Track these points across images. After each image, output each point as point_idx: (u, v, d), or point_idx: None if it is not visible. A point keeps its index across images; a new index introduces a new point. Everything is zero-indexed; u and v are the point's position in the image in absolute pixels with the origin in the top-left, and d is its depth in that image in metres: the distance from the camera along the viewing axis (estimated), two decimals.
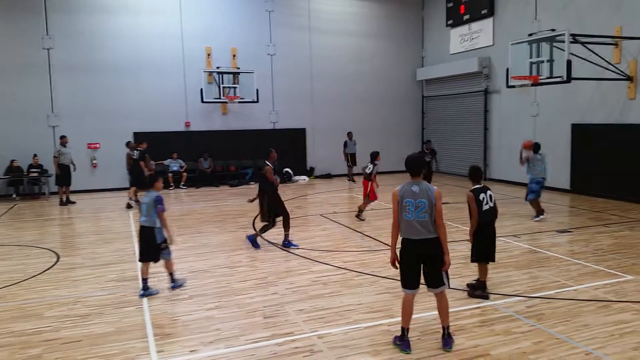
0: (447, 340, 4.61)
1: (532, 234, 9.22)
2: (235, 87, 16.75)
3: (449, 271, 4.67)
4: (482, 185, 5.90)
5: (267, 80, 17.94)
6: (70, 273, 7.34)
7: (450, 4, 18.43)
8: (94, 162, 16.23)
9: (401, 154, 12.91)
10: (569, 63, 10.82)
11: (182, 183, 16.71)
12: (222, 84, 16.72)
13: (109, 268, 7.50)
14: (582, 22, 13.06)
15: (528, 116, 15.24)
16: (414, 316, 4.70)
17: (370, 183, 10.51)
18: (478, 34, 17.31)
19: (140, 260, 6.36)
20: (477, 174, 5.96)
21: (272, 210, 8.33)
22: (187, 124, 17.31)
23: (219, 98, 16.72)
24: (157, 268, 7.35)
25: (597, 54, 11.83)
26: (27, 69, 15.37)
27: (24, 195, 15.32)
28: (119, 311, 5.74)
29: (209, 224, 10.71)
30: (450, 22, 18.53)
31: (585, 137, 13.40)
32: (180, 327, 5.26)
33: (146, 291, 6.19)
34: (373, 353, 4.55)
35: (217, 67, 16.93)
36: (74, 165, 14.16)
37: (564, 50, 10.94)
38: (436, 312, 4.72)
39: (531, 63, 11.88)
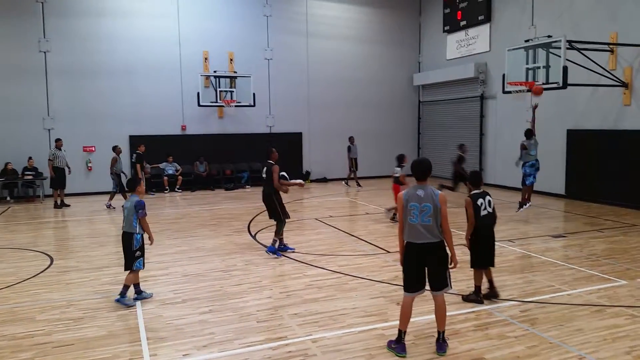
0: (441, 345, 4.60)
1: (527, 238, 9.23)
2: (232, 91, 16.75)
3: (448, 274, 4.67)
4: (482, 190, 5.90)
5: (264, 85, 17.97)
6: (64, 276, 7.29)
7: (447, 10, 18.53)
8: (89, 165, 16.17)
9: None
10: (565, 69, 10.89)
11: (178, 186, 16.68)
12: (219, 87, 16.72)
13: (103, 271, 7.46)
14: (578, 28, 13.15)
15: (524, 122, 15.26)
16: None
17: (400, 186, 10.44)
18: (475, 40, 17.40)
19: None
20: (477, 179, 5.97)
21: (274, 213, 8.19)
22: (184, 128, 17.30)
23: (216, 102, 16.70)
24: (151, 272, 7.33)
25: (592, 61, 11.91)
26: (23, 71, 15.33)
27: (19, 198, 15.24)
28: (112, 315, 5.70)
29: (203, 228, 10.68)
30: (447, 28, 18.63)
31: (580, 142, 13.46)
32: (174, 330, 5.23)
33: (140, 295, 6.14)
34: (367, 357, 4.53)
35: (214, 71, 16.94)
36: (69, 168, 14.11)
37: (560, 57, 11.00)
38: (430, 317, 4.72)
39: (527, 69, 11.95)
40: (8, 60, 15.17)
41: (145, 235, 6.08)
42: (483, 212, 5.73)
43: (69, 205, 13.86)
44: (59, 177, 13.79)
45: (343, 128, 18.78)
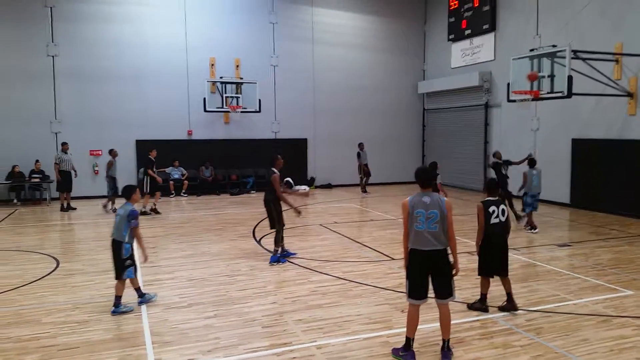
0: (446, 353, 4.59)
1: (532, 247, 9.21)
2: (238, 97, 16.86)
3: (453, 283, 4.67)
4: (497, 198, 5.88)
5: (269, 91, 18.06)
6: (70, 279, 7.33)
7: (452, 19, 18.59)
8: (96, 169, 16.26)
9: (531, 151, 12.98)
10: (569, 78, 10.89)
11: (183, 191, 16.75)
12: (225, 93, 16.83)
13: (109, 275, 7.41)
14: (583, 38, 13.17)
15: (528, 130, 15.30)
16: None
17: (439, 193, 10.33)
18: (479, 49, 17.45)
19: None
20: (492, 187, 5.98)
21: (270, 220, 8.21)
22: (190, 133, 17.39)
23: (222, 107, 16.82)
24: (157, 276, 7.35)
25: (598, 70, 11.91)
26: (31, 75, 15.49)
27: (25, 200, 15.33)
28: (117, 318, 5.72)
29: (209, 232, 10.71)
30: (451, 36, 18.69)
31: (585, 152, 13.44)
32: (179, 335, 5.25)
33: (143, 298, 6.15)
34: None
35: (221, 77, 17.05)
36: (75, 171, 14.20)
37: (564, 66, 11.01)
38: (435, 325, 4.71)
39: None
40: (16, 64, 15.32)
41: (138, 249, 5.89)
42: (494, 220, 5.70)
43: (75, 209, 13.93)
44: (65, 180, 13.89)
45: (348, 135, 18.84)
